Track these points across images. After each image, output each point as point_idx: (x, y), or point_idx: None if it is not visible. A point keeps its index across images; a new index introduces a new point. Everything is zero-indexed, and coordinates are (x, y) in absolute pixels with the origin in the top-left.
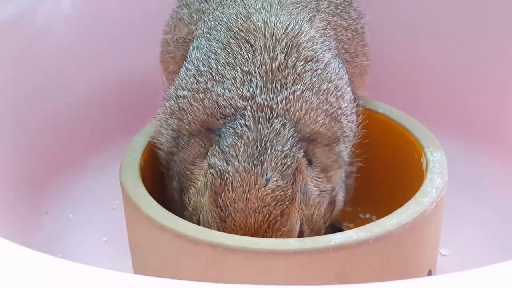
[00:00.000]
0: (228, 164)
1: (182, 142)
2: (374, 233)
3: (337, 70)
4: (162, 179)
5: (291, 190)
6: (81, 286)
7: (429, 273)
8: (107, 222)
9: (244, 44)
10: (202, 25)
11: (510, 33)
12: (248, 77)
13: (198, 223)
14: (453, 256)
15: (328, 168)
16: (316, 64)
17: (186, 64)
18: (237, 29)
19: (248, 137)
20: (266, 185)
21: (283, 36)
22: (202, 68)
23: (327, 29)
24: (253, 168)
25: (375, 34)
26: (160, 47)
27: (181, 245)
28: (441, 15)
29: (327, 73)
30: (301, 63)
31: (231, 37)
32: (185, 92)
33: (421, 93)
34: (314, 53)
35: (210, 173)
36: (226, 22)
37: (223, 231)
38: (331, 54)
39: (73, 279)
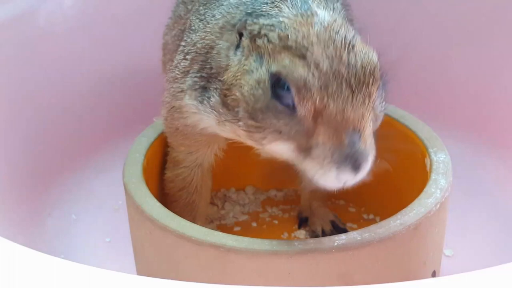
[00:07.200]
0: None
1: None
2: (378, 234)
3: None
4: (164, 179)
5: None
6: (84, 287)
7: (434, 274)
8: (110, 223)
9: None
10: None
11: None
12: None
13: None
14: (458, 257)
15: None
16: None
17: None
18: None
19: None
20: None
21: None
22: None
23: None
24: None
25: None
26: (162, 50)
27: (184, 246)
28: (445, 17)
29: None
30: None
31: None
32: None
33: (425, 94)
34: None
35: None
36: None
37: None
38: None
39: (76, 280)
